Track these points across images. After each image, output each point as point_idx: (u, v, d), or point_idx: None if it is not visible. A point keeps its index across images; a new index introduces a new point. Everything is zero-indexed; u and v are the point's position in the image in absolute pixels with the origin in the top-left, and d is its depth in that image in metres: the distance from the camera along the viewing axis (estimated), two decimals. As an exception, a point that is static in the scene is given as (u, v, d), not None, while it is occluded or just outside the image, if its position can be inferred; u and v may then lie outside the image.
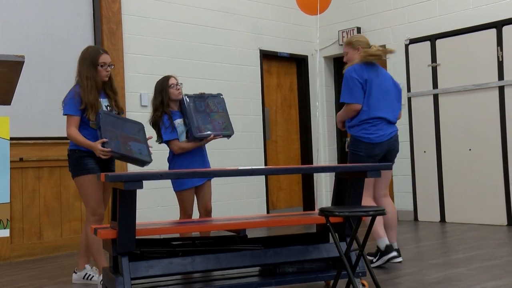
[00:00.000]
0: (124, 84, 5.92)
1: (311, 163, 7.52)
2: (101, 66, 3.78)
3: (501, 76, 6.16)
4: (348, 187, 3.49)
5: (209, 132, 4.23)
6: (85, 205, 3.84)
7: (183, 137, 4.26)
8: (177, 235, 4.07)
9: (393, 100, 4.33)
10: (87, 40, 5.75)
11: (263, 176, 7.15)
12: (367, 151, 4.19)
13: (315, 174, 7.60)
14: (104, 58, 3.80)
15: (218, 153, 6.04)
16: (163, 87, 4.27)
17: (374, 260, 4.21)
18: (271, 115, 7.59)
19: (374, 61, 4.30)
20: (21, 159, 5.19)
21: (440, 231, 6.02)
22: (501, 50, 6.16)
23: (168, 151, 4.34)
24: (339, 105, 7.94)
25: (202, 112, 4.28)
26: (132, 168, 5.69)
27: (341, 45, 7.57)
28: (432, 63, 6.72)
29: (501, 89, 6.17)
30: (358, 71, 4.21)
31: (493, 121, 6.22)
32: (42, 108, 5.43)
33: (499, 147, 6.18)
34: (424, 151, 6.79)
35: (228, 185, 6.64)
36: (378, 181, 4.32)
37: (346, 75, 4.26)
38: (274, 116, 7.63)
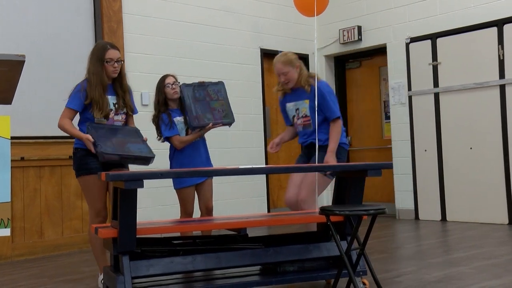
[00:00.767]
0: (124, 83, 5.93)
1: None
2: (107, 62, 3.67)
3: (502, 75, 6.15)
4: (348, 186, 3.49)
5: (207, 121, 4.16)
6: (88, 205, 3.78)
7: (183, 134, 4.27)
8: (178, 234, 4.07)
9: None
10: (88, 39, 5.76)
11: (264, 175, 7.15)
12: (345, 157, 4.18)
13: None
14: (111, 54, 3.68)
15: (218, 152, 6.04)
16: (160, 86, 4.30)
17: None
18: (272, 113, 7.58)
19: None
20: (22, 158, 5.19)
21: (441, 230, 6.02)
22: (502, 48, 6.15)
23: (168, 149, 4.34)
24: (340, 104, 7.92)
25: (202, 100, 4.20)
26: (135, 167, 5.69)
27: (342, 44, 7.59)
28: (433, 61, 6.71)
29: (502, 88, 6.16)
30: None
31: (494, 119, 6.21)
32: (43, 107, 5.43)
33: (500, 146, 6.17)
34: (425, 150, 6.79)
35: (228, 184, 6.64)
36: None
37: (327, 89, 4.04)
38: (274, 115, 7.63)
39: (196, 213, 4.52)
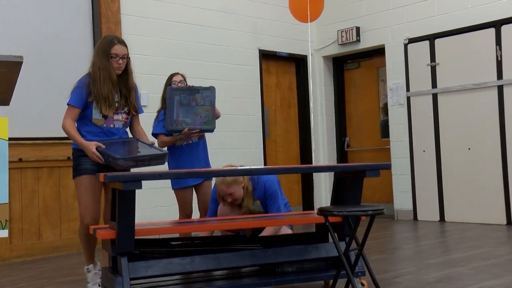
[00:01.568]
0: (123, 84, 5.92)
1: (310, 162, 7.52)
2: (112, 57, 3.48)
3: (500, 76, 6.16)
4: (347, 186, 3.49)
5: (184, 126, 4.11)
6: (79, 207, 3.56)
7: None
8: (177, 235, 4.07)
9: None
10: (86, 40, 5.75)
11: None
12: None
13: (314, 174, 7.60)
14: (117, 49, 3.49)
15: (217, 153, 6.04)
16: (166, 83, 4.39)
17: None
18: (270, 114, 7.59)
19: None
20: (20, 160, 5.18)
21: (439, 230, 6.02)
22: (500, 49, 6.16)
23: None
24: (338, 105, 7.95)
25: (186, 105, 4.15)
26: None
27: (340, 44, 7.60)
28: (431, 62, 6.72)
29: (500, 88, 6.17)
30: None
31: (492, 120, 6.22)
32: (41, 108, 5.43)
33: (498, 146, 6.18)
34: (424, 151, 6.80)
35: (227, 185, 6.62)
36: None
37: (274, 186, 3.99)
38: (273, 115, 7.63)
39: (195, 214, 4.51)
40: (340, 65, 8.02)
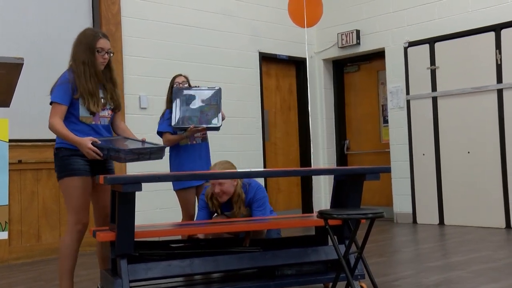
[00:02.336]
0: (123, 86, 5.92)
1: (310, 165, 7.52)
2: (98, 51, 3.30)
3: (499, 79, 6.17)
4: (346, 189, 3.49)
5: (190, 123, 4.16)
6: (67, 211, 3.26)
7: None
8: (177, 237, 4.06)
9: None
10: (86, 42, 5.74)
11: (262, 178, 7.15)
12: None
13: (313, 177, 7.60)
14: (102, 43, 3.31)
15: (217, 155, 6.03)
16: (170, 84, 4.48)
17: None
18: (270, 117, 7.59)
19: None
20: (19, 161, 5.18)
21: (439, 234, 6.02)
22: (500, 53, 6.16)
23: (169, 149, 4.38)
24: (338, 108, 7.95)
25: (192, 104, 4.26)
26: (131, 169, 5.69)
27: (340, 47, 7.60)
28: (431, 66, 6.72)
29: (500, 92, 6.17)
30: None
31: (491, 124, 6.22)
32: (41, 110, 5.40)
33: (497, 150, 6.18)
34: (423, 154, 6.80)
35: (227, 187, 6.62)
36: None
37: (265, 193, 3.99)
38: (273, 118, 7.64)
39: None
40: (340, 68, 8.03)
